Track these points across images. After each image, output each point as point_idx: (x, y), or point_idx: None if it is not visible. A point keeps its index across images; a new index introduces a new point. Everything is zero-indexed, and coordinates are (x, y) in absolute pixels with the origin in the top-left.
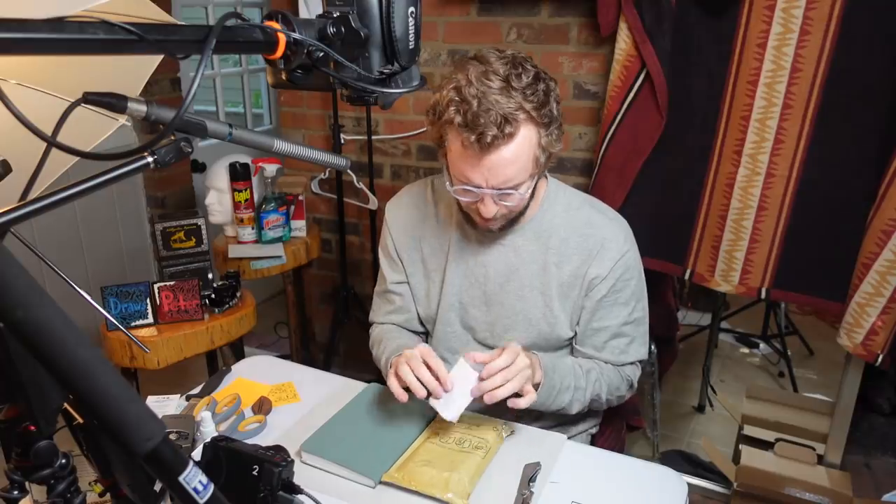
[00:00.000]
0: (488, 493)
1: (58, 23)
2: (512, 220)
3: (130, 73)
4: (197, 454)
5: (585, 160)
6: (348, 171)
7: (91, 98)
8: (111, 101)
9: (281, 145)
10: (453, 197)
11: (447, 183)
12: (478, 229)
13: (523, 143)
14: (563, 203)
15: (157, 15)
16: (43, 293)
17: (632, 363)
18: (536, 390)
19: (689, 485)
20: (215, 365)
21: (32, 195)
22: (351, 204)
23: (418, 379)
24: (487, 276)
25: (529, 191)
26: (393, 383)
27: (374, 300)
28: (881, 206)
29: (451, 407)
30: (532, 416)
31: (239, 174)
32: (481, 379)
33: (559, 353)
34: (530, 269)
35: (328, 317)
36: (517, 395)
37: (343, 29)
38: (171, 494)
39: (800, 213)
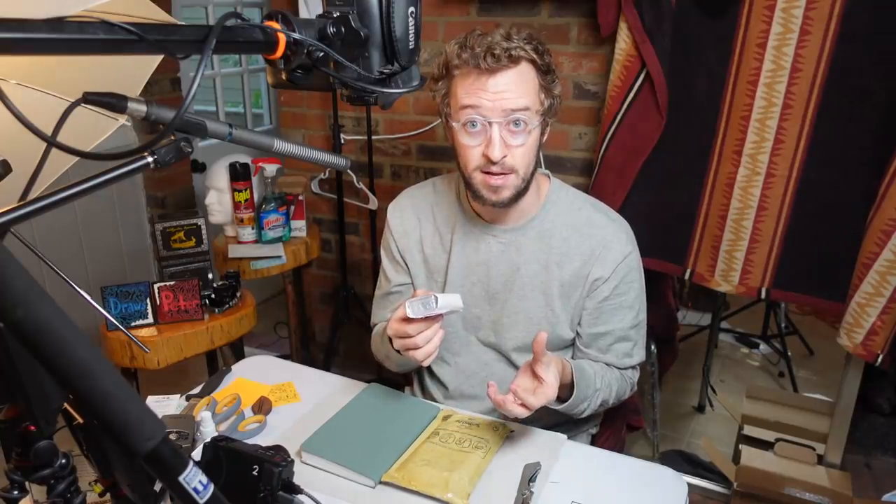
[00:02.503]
0: (488, 493)
1: (58, 23)
2: (517, 196)
3: (130, 73)
4: (197, 454)
5: (585, 160)
6: (348, 171)
7: (91, 98)
8: (111, 101)
9: (281, 145)
10: (458, 168)
11: (454, 125)
12: (485, 223)
13: (526, 73)
14: (566, 203)
15: (157, 15)
16: (43, 293)
17: (634, 367)
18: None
19: (689, 485)
20: (215, 365)
21: (32, 195)
22: (351, 204)
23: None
24: (490, 276)
25: (537, 136)
26: (427, 360)
27: (374, 306)
28: (881, 206)
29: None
30: (532, 417)
31: (239, 174)
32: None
33: (560, 353)
34: (532, 269)
35: (328, 317)
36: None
37: (343, 29)
38: (171, 494)
39: (800, 213)
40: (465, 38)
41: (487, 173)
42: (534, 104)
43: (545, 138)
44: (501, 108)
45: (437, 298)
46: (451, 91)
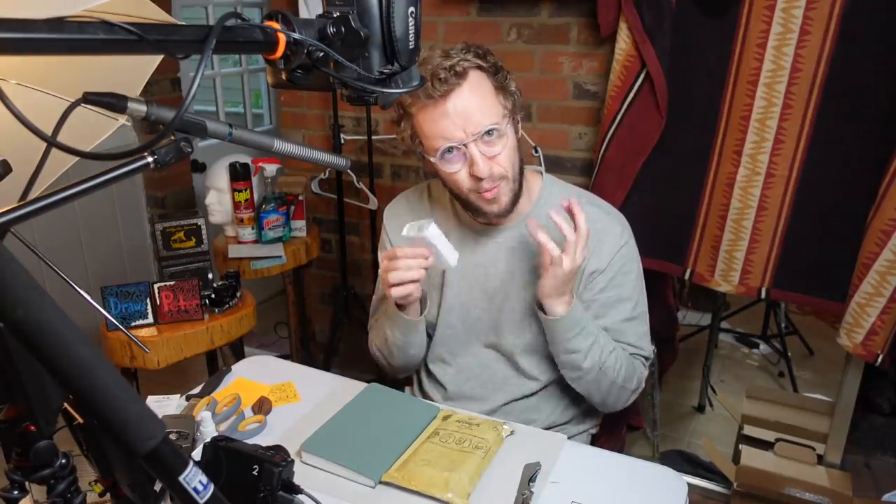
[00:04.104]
0: (488, 493)
1: (58, 23)
2: (514, 198)
3: (130, 73)
4: (197, 454)
5: (585, 160)
6: (348, 171)
7: (91, 98)
8: (111, 101)
9: (281, 145)
10: (452, 192)
11: (431, 159)
12: (481, 225)
13: (478, 84)
14: (559, 199)
15: (157, 15)
16: (43, 293)
17: (642, 356)
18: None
19: (689, 485)
20: (215, 365)
21: (32, 195)
22: (351, 204)
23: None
24: (487, 275)
25: (513, 136)
26: (398, 291)
27: (371, 309)
28: (881, 206)
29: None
30: (532, 415)
31: (239, 174)
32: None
33: None
34: (529, 266)
35: (328, 317)
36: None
37: (343, 29)
38: (171, 494)
39: (800, 213)
40: None
41: (481, 191)
42: (497, 111)
43: (520, 134)
44: (470, 131)
45: (433, 224)
46: (416, 129)
